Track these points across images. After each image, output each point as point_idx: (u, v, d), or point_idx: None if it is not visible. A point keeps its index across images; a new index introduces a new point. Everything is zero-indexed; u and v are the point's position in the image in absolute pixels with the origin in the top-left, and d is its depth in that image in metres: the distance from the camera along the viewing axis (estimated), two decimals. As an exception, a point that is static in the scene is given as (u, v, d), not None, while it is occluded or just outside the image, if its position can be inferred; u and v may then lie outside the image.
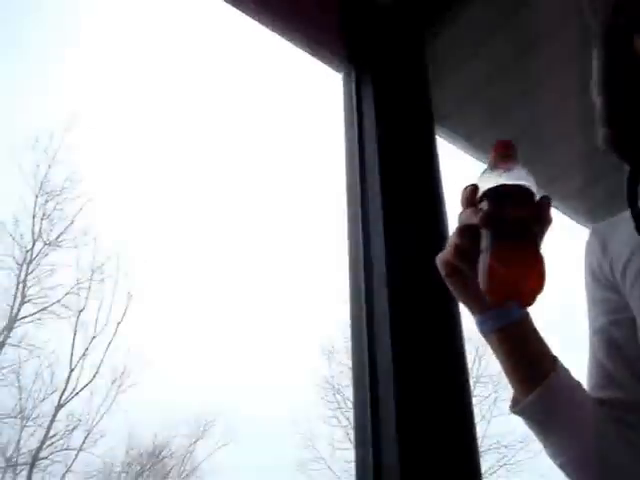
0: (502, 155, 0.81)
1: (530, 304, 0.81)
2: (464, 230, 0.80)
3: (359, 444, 1.27)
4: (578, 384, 0.92)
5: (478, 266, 0.78)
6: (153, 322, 11.42)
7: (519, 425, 0.94)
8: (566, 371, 0.90)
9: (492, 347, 0.87)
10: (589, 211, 2.35)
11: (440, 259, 0.84)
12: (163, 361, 11.46)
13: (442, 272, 0.84)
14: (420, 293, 1.33)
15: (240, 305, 12.79)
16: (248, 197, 14.21)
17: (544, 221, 0.79)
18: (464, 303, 0.86)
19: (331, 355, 12.06)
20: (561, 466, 0.90)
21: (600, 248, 1.02)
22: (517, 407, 0.88)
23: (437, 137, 1.58)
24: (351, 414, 11.74)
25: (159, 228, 13.06)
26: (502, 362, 0.88)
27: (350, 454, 11.32)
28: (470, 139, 2.12)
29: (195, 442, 11.85)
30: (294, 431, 11.37)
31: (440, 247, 1.18)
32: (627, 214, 0.92)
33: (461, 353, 1.31)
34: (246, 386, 11.94)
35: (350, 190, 1.51)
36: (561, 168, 2.33)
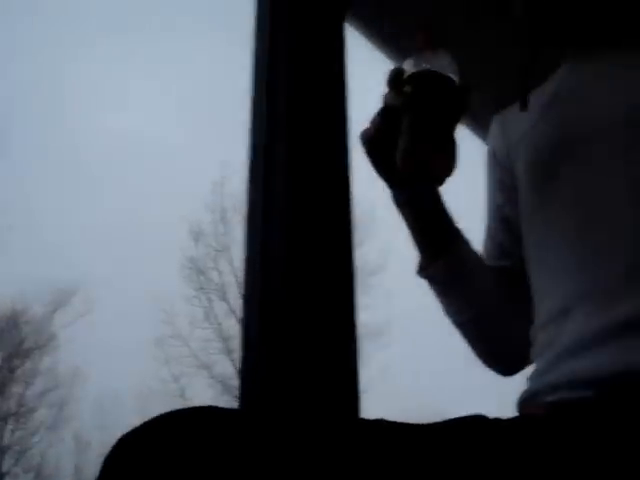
0: (425, 42, 0.83)
1: (440, 185, 0.90)
2: (387, 111, 0.84)
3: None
4: (477, 252, 1.06)
5: (398, 146, 0.81)
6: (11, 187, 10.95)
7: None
8: (468, 241, 1.03)
9: (404, 218, 0.99)
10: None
11: (362, 136, 0.89)
12: (21, 228, 11.11)
13: (364, 148, 0.90)
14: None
15: (104, 179, 12.47)
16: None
17: (462, 108, 0.84)
18: (381, 177, 0.92)
19: (198, 237, 12.08)
20: (460, 324, 1.05)
21: (500, 132, 1.12)
22: (426, 272, 1.01)
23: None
24: (212, 295, 11.92)
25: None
26: (412, 231, 0.99)
27: (207, 333, 11.54)
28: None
29: (53, 311, 11.74)
30: (155, 307, 11.43)
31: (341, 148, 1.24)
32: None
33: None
34: (109, 258, 11.81)
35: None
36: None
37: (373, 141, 0.87)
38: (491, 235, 1.13)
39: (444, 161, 0.80)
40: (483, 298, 1.04)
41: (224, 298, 11.72)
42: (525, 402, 0.86)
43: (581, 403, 0.76)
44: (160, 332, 11.49)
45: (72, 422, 11.33)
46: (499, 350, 1.06)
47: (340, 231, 1.39)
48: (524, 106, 1.01)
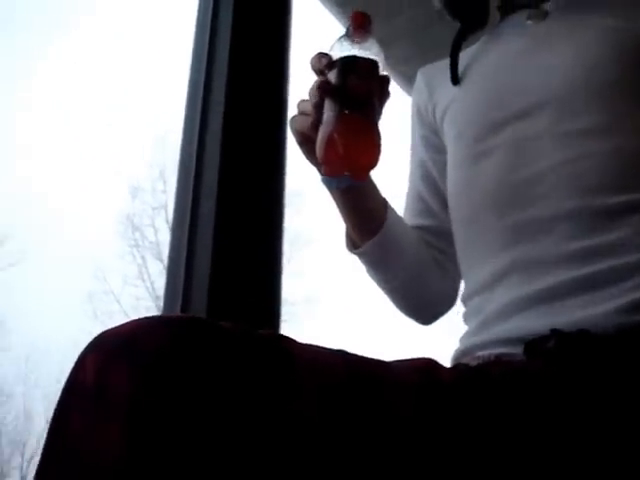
0: (357, 26, 0.82)
1: (363, 178, 0.88)
2: (314, 100, 0.82)
3: (171, 274, 1.35)
4: (401, 220, 1.10)
5: (318, 136, 0.79)
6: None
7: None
8: (395, 213, 1.06)
9: (335, 201, 1.00)
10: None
11: (293, 127, 0.88)
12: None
13: (295, 139, 0.89)
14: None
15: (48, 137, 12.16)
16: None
17: (384, 95, 0.83)
18: (314, 166, 0.91)
19: (136, 193, 11.89)
20: (387, 290, 1.11)
21: (427, 91, 1.14)
22: (358, 250, 1.05)
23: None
24: (147, 253, 11.79)
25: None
26: (343, 214, 1.03)
27: (139, 291, 11.42)
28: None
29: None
30: (88, 261, 11.25)
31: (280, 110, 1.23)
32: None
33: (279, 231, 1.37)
34: (42, 208, 11.56)
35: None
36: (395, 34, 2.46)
37: (303, 133, 0.86)
38: (414, 190, 1.16)
39: (366, 154, 0.79)
40: (410, 266, 1.08)
41: (158, 257, 11.58)
42: (458, 358, 0.93)
43: (511, 354, 0.83)
44: (91, 287, 11.31)
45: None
46: (422, 305, 1.14)
47: (272, 198, 1.39)
48: (455, 81, 1.02)
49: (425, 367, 0.74)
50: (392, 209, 1.06)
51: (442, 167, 1.10)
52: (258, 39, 1.45)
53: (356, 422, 0.62)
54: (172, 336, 0.58)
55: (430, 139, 1.13)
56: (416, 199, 1.16)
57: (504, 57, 1.04)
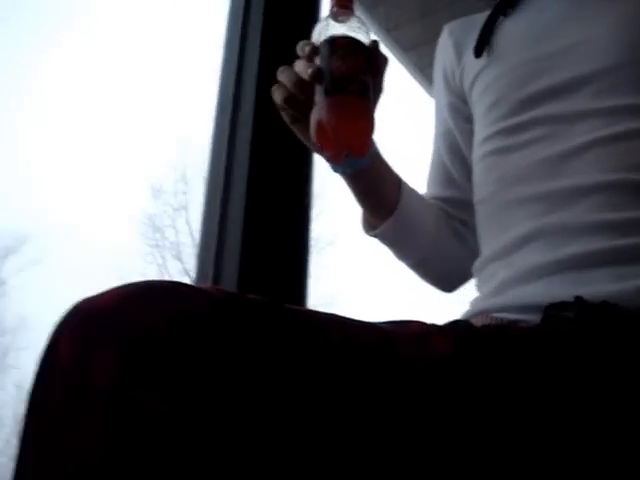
0: (340, 6, 0.83)
1: (363, 155, 0.83)
2: (298, 83, 0.81)
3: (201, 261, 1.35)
4: (418, 196, 1.06)
5: (310, 123, 0.79)
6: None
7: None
8: (410, 190, 1.03)
9: (348, 186, 0.97)
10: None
11: (275, 99, 0.86)
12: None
13: (286, 120, 0.87)
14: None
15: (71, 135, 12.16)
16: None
17: (375, 68, 0.81)
18: (310, 146, 0.88)
19: (158, 194, 11.89)
20: (411, 265, 1.10)
21: (455, 52, 1.08)
22: (375, 231, 1.03)
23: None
24: (167, 253, 11.81)
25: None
26: (357, 198, 1.00)
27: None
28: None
29: (4, 257, 11.50)
30: (108, 261, 11.26)
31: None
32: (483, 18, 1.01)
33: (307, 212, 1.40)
34: (63, 208, 11.60)
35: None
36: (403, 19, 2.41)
37: (292, 114, 0.84)
38: (437, 159, 1.12)
39: (358, 133, 0.78)
40: (428, 241, 1.06)
41: (178, 257, 11.56)
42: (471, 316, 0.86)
43: (527, 322, 0.77)
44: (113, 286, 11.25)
45: (14, 371, 11.14)
46: (444, 274, 1.11)
47: (299, 199, 1.40)
48: (479, 54, 0.98)
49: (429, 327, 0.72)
50: (407, 186, 1.03)
51: (468, 136, 1.05)
52: (288, 46, 1.44)
53: (379, 379, 0.59)
54: (167, 308, 0.50)
55: (457, 106, 1.08)
56: (439, 169, 1.12)
57: (539, 27, 0.97)
